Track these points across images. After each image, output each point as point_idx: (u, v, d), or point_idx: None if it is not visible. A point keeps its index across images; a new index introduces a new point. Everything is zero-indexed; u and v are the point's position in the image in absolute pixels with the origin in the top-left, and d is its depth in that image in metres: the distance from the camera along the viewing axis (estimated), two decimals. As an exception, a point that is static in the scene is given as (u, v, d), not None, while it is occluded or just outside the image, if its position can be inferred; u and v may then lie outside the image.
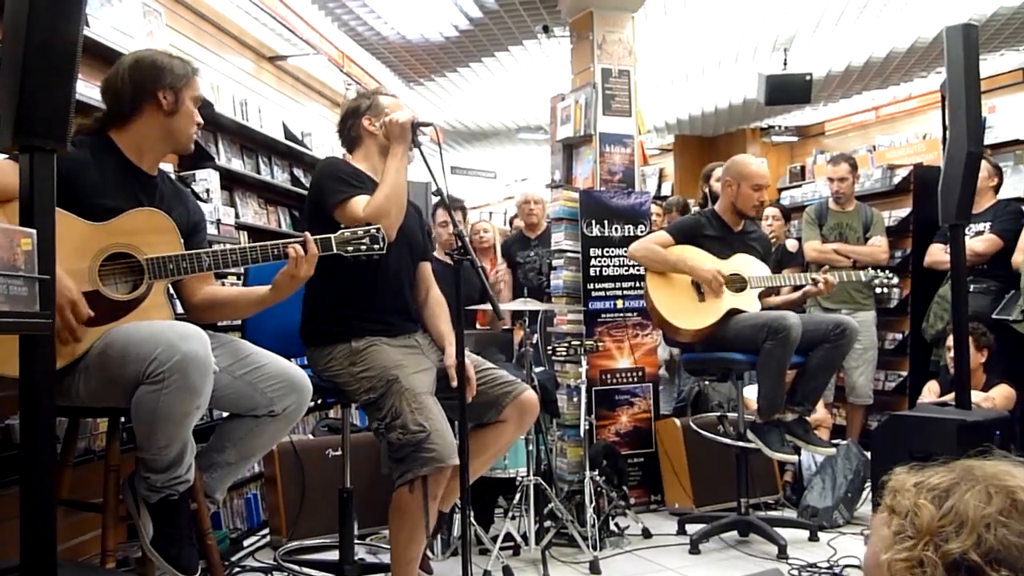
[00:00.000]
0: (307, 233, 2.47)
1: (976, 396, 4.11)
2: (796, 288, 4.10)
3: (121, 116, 2.45)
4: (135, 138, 2.45)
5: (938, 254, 5.12)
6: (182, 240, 2.43)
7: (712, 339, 3.92)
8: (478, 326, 5.48)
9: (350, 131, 3.02)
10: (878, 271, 4.11)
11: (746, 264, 4.00)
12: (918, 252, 5.59)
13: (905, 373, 5.88)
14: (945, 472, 1.05)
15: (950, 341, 4.21)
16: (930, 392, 4.74)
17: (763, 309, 3.94)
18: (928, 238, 5.37)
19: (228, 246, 2.47)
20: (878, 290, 4.10)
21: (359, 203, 2.78)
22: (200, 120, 2.56)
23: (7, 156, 2.37)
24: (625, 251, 4.74)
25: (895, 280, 4.04)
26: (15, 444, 2.64)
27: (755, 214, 4.07)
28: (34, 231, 1.63)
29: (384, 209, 2.74)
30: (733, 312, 3.89)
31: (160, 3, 4.34)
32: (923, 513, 1.00)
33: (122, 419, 2.42)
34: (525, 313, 4.23)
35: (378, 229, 2.54)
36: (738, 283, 3.96)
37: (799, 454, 4.53)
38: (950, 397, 4.04)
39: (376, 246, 2.53)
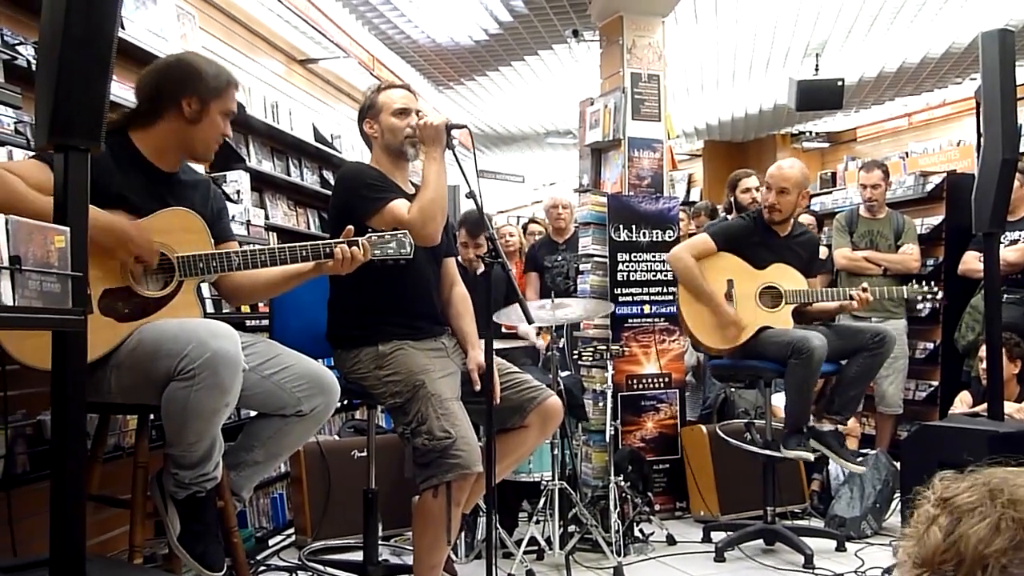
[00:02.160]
0: (361, 240, 2.48)
1: (1009, 407, 4.04)
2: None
3: (144, 116, 2.44)
4: (154, 140, 2.44)
5: (972, 262, 5.03)
6: (212, 239, 2.45)
7: (740, 350, 3.92)
8: (503, 329, 5.46)
9: (362, 132, 3.01)
10: (915, 283, 4.05)
11: (783, 276, 3.95)
12: (951, 260, 5.50)
13: (936, 383, 5.79)
14: (973, 490, 1.02)
15: (982, 351, 4.15)
16: (962, 403, 4.67)
17: (798, 319, 3.93)
18: (961, 246, 5.29)
19: (257, 246, 2.48)
20: (919, 305, 4.03)
21: (399, 207, 2.75)
22: (229, 133, 2.52)
23: (31, 156, 2.41)
24: (653, 256, 4.74)
25: (937, 291, 3.97)
26: (46, 439, 2.67)
27: (770, 216, 3.98)
28: (67, 229, 1.65)
29: (430, 213, 2.72)
30: (763, 329, 3.87)
31: (193, 6, 4.40)
32: (930, 542, 1.00)
33: (151, 416, 2.44)
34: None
35: (405, 234, 2.54)
36: (773, 296, 3.93)
37: (827, 464, 4.49)
38: (982, 408, 3.98)
39: (403, 251, 2.53)
